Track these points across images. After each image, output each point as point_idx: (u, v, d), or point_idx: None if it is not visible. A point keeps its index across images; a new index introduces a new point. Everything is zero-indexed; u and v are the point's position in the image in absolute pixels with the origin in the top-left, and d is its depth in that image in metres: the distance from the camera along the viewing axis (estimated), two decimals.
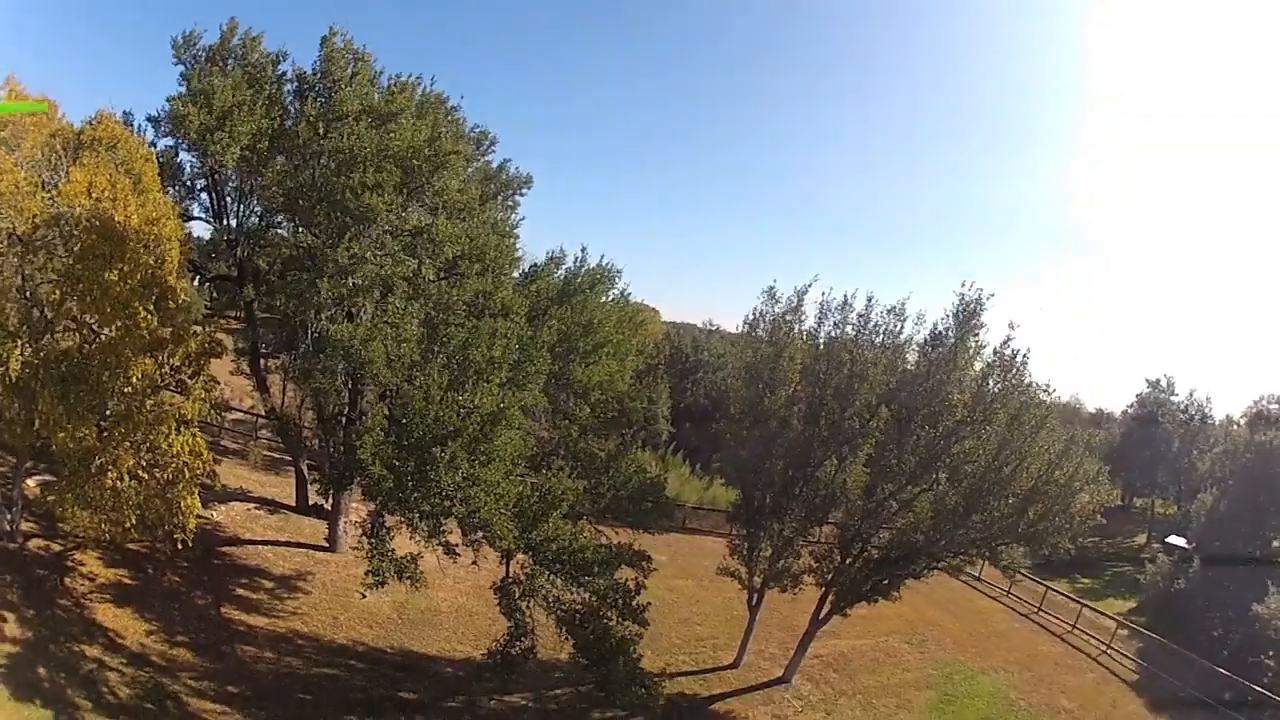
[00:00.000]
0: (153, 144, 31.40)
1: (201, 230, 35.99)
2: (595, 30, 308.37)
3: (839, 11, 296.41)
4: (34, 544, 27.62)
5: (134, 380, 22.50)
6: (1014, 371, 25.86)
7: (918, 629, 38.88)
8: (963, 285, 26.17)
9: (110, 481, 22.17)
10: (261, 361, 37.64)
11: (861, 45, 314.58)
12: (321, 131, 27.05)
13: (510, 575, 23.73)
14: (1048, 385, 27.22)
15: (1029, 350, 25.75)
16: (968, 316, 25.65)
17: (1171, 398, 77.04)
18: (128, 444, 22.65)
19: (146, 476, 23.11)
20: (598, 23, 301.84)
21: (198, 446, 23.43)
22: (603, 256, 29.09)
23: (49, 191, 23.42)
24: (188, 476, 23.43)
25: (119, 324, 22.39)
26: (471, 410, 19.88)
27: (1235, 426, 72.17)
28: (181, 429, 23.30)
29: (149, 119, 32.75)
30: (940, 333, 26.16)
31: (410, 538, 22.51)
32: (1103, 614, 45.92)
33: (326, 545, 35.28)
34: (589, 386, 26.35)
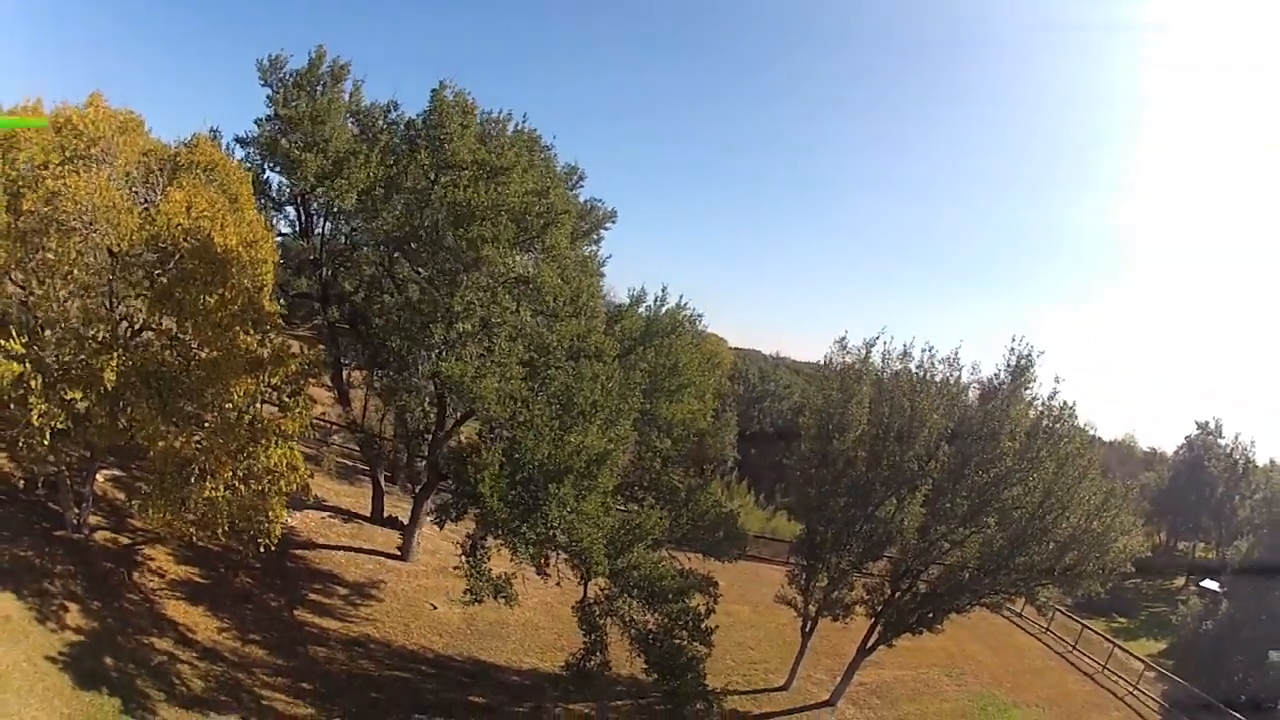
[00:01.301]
0: (245, 164, 34.04)
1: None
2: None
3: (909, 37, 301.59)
4: (101, 537, 28.81)
5: (235, 398, 23.97)
6: (1061, 422, 28.98)
7: (957, 662, 41.84)
8: (1014, 340, 29.70)
9: (209, 490, 23.11)
10: (343, 374, 40.40)
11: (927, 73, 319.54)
12: (433, 179, 29.56)
13: (589, 596, 26.38)
14: (1092, 430, 30.57)
15: (1075, 403, 29.23)
16: (1020, 370, 29.00)
17: (1219, 440, 79.57)
18: (226, 456, 23.60)
19: (242, 488, 23.83)
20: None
21: (294, 460, 24.66)
22: (681, 297, 32.34)
23: (145, 208, 24.47)
24: (282, 488, 24.60)
25: (220, 348, 23.79)
26: (580, 449, 22.90)
27: (1273, 474, 74.52)
28: (280, 442, 24.55)
29: (237, 140, 36.20)
30: (995, 386, 29.46)
31: (511, 560, 25.28)
32: (1133, 655, 48.74)
33: (399, 554, 37.28)
34: (672, 423, 29.45)
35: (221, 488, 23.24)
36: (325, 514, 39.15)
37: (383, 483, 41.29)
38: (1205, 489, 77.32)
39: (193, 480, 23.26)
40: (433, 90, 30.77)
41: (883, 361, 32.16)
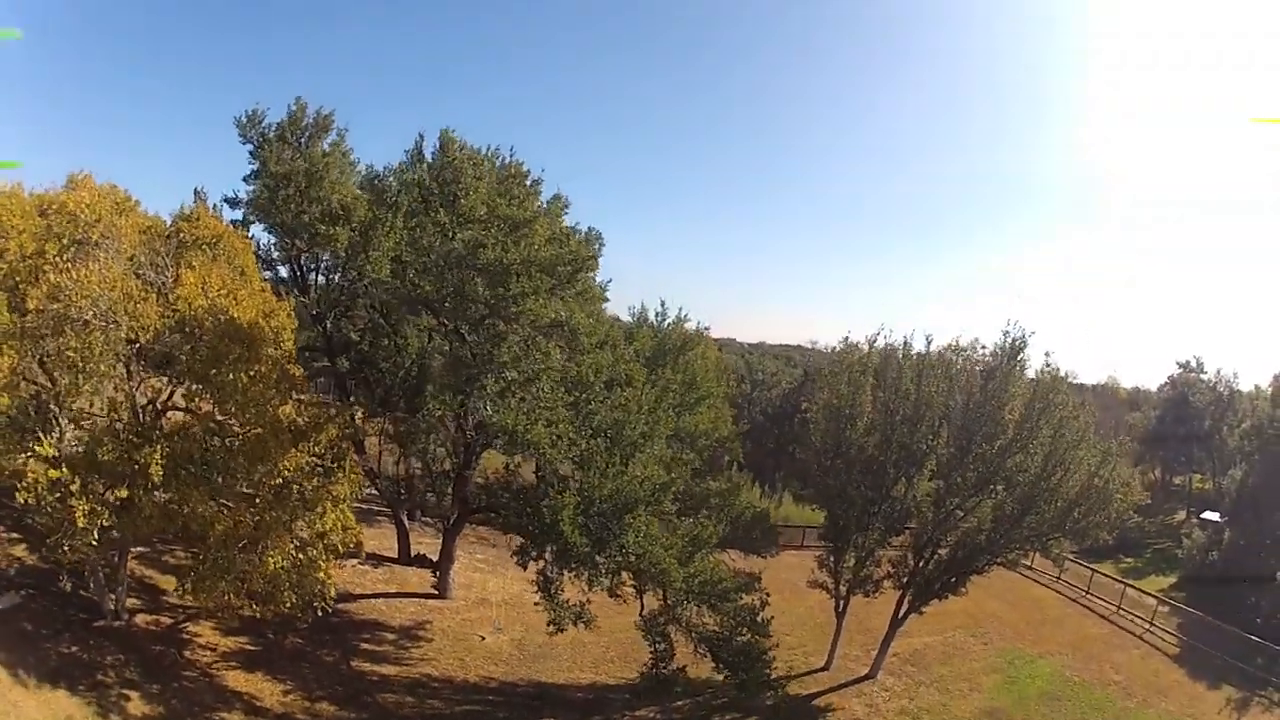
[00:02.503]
0: (236, 225, 34.46)
1: None
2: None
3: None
4: (142, 620, 29.34)
5: (285, 471, 24.64)
6: (1055, 393, 32.30)
7: (980, 622, 45.30)
8: (1008, 324, 33.24)
9: (271, 565, 23.54)
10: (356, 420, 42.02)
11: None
12: (451, 236, 30.76)
13: (646, 607, 28.85)
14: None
15: (1066, 371, 32.79)
16: (1015, 351, 32.39)
17: (1201, 376, 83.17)
18: (284, 530, 24.18)
19: (301, 556, 24.44)
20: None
21: (348, 521, 25.56)
22: (681, 309, 35.30)
23: (157, 291, 24.34)
24: (340, 551, 25.66)
25: (262, 424, 24.33)
26: (644, 480, 25.68)
27: (1258, 402, 78.00)
28: (332, 506, 25.27)
29: (226, 201, 36.46)
30: (992, 368, 32.74)
31: (588, 590, 27.41)
32: (1145, 592, 52.38)
33: (437, 593, 39.20)
34: (695, 435, 32.38)
35: (281, 560, 23.85)
36: (355, 561, 39.87)
37: (406, 524, 42.86)
38: (1193, 423, 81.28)
39: (254, 556, 23.77)
40: (441, 144, 32.53)
41: (886, 352, 35.66)
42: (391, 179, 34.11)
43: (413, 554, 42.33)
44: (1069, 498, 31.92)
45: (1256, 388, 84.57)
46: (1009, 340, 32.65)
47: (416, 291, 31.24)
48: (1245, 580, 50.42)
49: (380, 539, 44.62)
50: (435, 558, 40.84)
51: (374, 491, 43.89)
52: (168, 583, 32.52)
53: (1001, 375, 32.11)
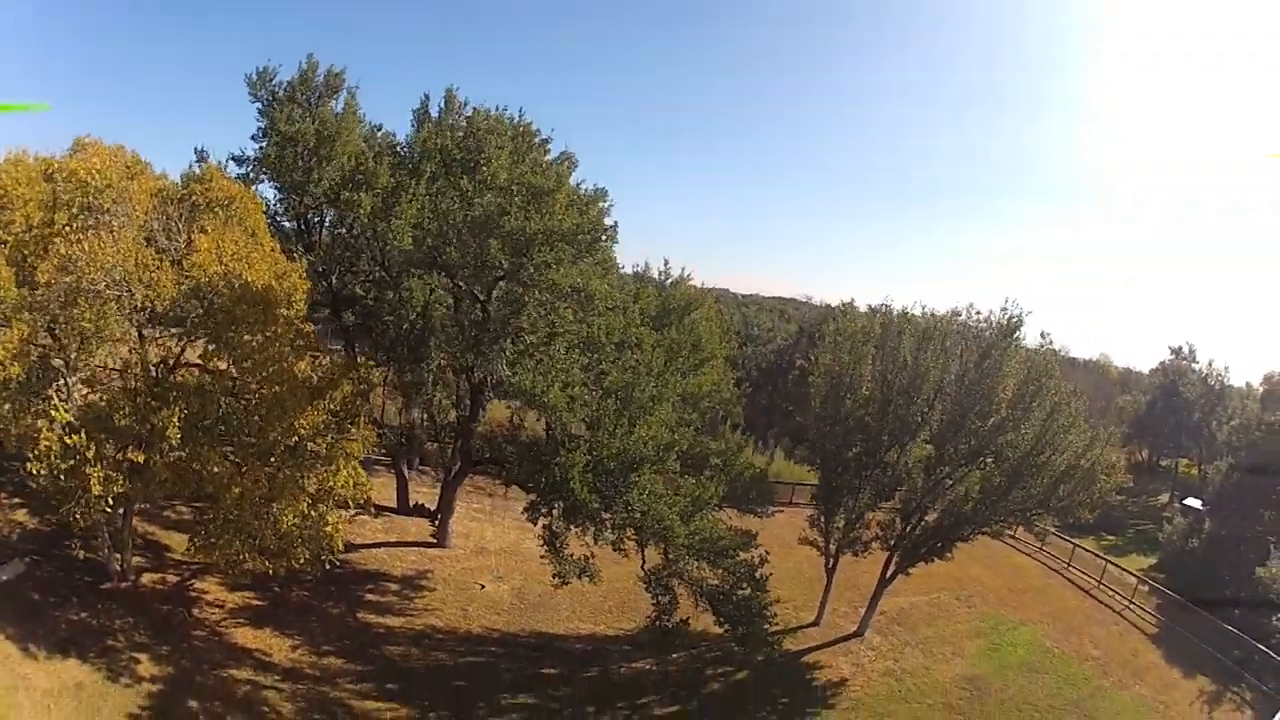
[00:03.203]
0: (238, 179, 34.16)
1: None
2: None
3: None
4: (148, 580, 29.94)
5: (300, 431, 24.71)
6: (1048, 376, 33.73)
7: (964, 585, 46.88)
8: (1006, 301, 34.58)
9: (285, 523, 23.89)
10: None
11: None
12: (472, 203, 31.06)
13: (648, 561, 29.87)
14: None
15: (1059, 350, 34.00)
16: (1010, 330, 33.72)
17: (1193, 365, 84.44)
18: (298, 489, 24.27)
19: (313, 513, 24.60)
20: None
21: (359, 478, 25.93)
22: (684, 269, 36.55)
23: (171, 258, 24.34)
24: (351, 507, 26.30)
25: (279, 382, 24.51)
26: (649, 440, 26.79)
27: (1248, 401, 79.60)
28: (345, 462, 25.54)
29: (233, 158, 36.13)
30: (988, 345, 34.04)
31: (594, 543, 28.70)
32: (1126, 570, 53.92)
33: (436, 542, 40.26)
34: (699, 395, 33.62)
35: (294, 517, 24.12)
36: (355, 511, 40.59)
37: (405, 473, 43.47)
38: (1183, 413, 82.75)
39: (268, 514, 24.04)
40: (468, 117, 33.48)
41: (884, 323, 37.04)
42: (416, 146, 34.34)
43: (412, 504, 42.89)
44: (1055, 475, 33.43)
45: (1248, 385, 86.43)
46: (1006, 317, 34.01)
47: (439, 257, 31.73)
48: (1225, 571, 51.42)
49: (379, 488, 43.96)
50: (433, 507, 41.57)
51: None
52: (170, 538, 33.55)
53: (997, 353, 33.36)
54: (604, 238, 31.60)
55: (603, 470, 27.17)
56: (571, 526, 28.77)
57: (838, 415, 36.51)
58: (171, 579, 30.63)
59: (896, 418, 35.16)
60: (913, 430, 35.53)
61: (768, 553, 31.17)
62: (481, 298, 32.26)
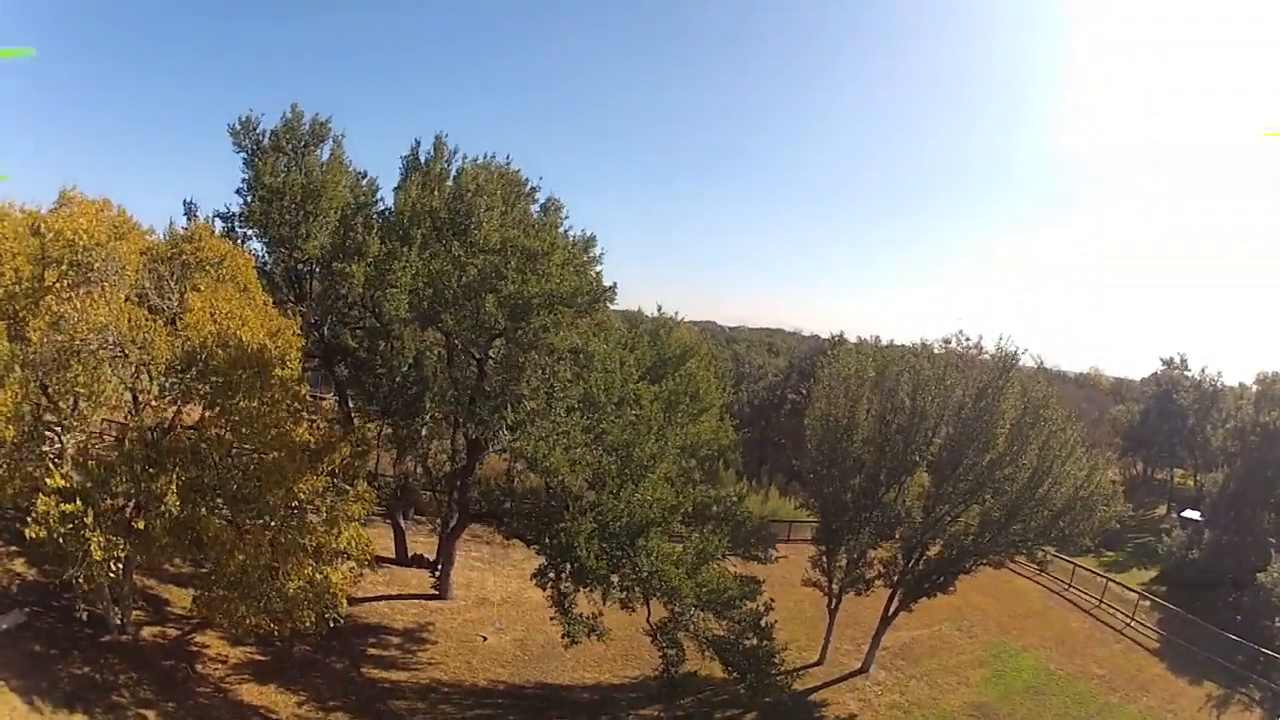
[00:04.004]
0: (224, 236, 33.88)
1: None
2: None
3: None
4: (149, 633, 29.71)
5: (300, 496, 24.57)
6: (1043, 407, 34.11)
7: (965, 615, 47.21)
8: (1000, 339, 34.89)
9: (291, 588, 23.90)
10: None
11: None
12: (465, 266, 31.13)
13: (654, 614, 29.69)
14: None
15: (1051, 395, 34.33)
16: (1006, 368, 34.14)
17: (1185, 373, 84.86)
18: (303, 553, 24.40)
19: (318, 576, 24.67)
20: None
21: (362, 538, 26.15)
22: (677, 312, 36.78)
23: (165, 318, 24.17)
24: (356, 567, 26.50)
25: (278, 447, 24.22)
26: (655, 503, 26.98)
27: (1242, 402, 79.45)
28: (347, 525, 25.68)
29: (218, 215, 35.39)
30: (985, 385, 34.39)
31: (602, 602, 28.58)
32: (1126, 587, 54.44)
33: (437, 593, 39.88)
34: (698, 445, 33.78)
35: (300, 581, 24.18)
36: (360, 570, 40.48)
37: (403, 525, 43.34)
38: (1177, 421, 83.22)
39: (273, 581, 24.04)
40: (455, 175, 33.46)
41: (881, 364, 37.19)
42: (405, 210, 34.17)
43: (410, 555, 42.86)
44: (1055, 509, 33.86)
45: (1241, 385, 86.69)
46: (1001, 354, 34.61)
47: (435, 323, 31.81)
48: (1226, 580, 52.29)
49: (377, 539, 43.64)
50: (432, 557, 41.56)
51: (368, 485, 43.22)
52: (169, 592, 33.42)
53: (994, 391, 33.69)
54: (602, 299, 31.53)
55: (609, 534, 27.29)
56: (580, 589, 28.86)
57: (835, 458, 36.83)
58: (172, 632, 30.62)
59: (895, 457, 35.43)
60: (910, 469, 35.89)
61: (772, 600, 31.26)
62: (478, 356, 32.35)
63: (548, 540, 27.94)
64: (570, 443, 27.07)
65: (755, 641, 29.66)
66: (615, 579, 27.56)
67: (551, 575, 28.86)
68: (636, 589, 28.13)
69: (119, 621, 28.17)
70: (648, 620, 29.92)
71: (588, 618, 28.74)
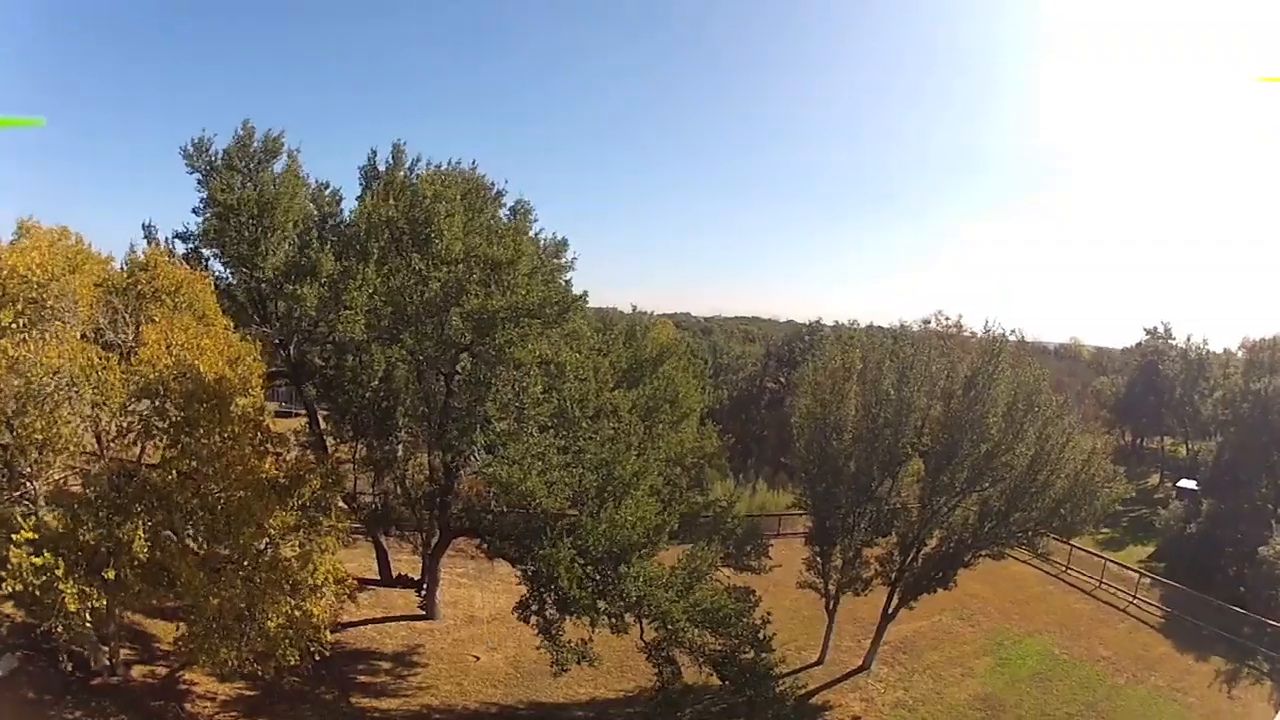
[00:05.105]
0: (184, 258, 33.22)
1: None
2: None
3: None
4: (137, 672, 29.03)
5: (271, 533, 23.72)
6: (1036, 393, 32.90)
7: (965, 604, 46.07)
8: (986, 323, 33.60)
9: (272, 629, 22.99)
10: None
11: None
12: (427, 280, 29.95)
13: (645, 629, 28.37)
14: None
15: (1044, 377, 33.33)
16: (994, 353, 32.81)
17: (1170, 342, 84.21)
18: (279, 593, 23.46)
19: (297, 614, 23.76)
20: None
21: (339, 572, 25.15)
22: (652, 313, 35.42)
23: (119, 353, 23.48)
24: (332, 600, 25.17)
25: (245, 484, 23.24)
26: (637, 523, 25.43)
27: (1230, 370, 79.18)
28: (322, 559, 24.72)
29: (177, 236, 34.56)
30: (974, 373, 33.16)
31: (591, 629, 27.24)
32: (1126, 567, 53.67)
33: (424, 614, 38.91)
34: (681, 453, 32.44)
35: (279, 618, 23.33)
36: (341, 601, 39.79)
37: (385, 544, 42.21)
38: (1164, 392, 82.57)
39: (252, 622, 23.27)
40: (414, 184, 31.78)
41: (866, 353, 36.24)
42: (360, 222, 32.91)
43: (395, 575, 41.89)
44: (1056, 497, 32.73)
45: (1226, 351, 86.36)
46: (989, 339, 33.61)
47: (395, 343, 30.66)
48: (1226, 550, 51.75)
49: (360, 559, 43.52)
50: (416, 576, 40.58)
51: (348, 510, 41.45)
52: (156, 626, 32.32)
53: (983, 378, 32.49)
54: (572, 308, 30.09)
55: (591, 558, 25.87)
56: (566, 617, 27.47)
57: (824, 456, 35.60)
58: (161, 671, 29.69)
59: (885, 450, 34.28)
60: (901, 461, 34.79)
61: (769, 614, 30.08)
62: (445, 372, 30.95)
63: (528, 566, 26.53)
64: (546, 464, 25.70)
65: (754, 655, 28.51)
66: (602, 605, 26.15)
67: (534, 607, 27.44)
68: (625, 615, 26.80)
69: (108, 662, 27.40)
70: (641, 637, 28.83)
71: (577, 644, 27.40)
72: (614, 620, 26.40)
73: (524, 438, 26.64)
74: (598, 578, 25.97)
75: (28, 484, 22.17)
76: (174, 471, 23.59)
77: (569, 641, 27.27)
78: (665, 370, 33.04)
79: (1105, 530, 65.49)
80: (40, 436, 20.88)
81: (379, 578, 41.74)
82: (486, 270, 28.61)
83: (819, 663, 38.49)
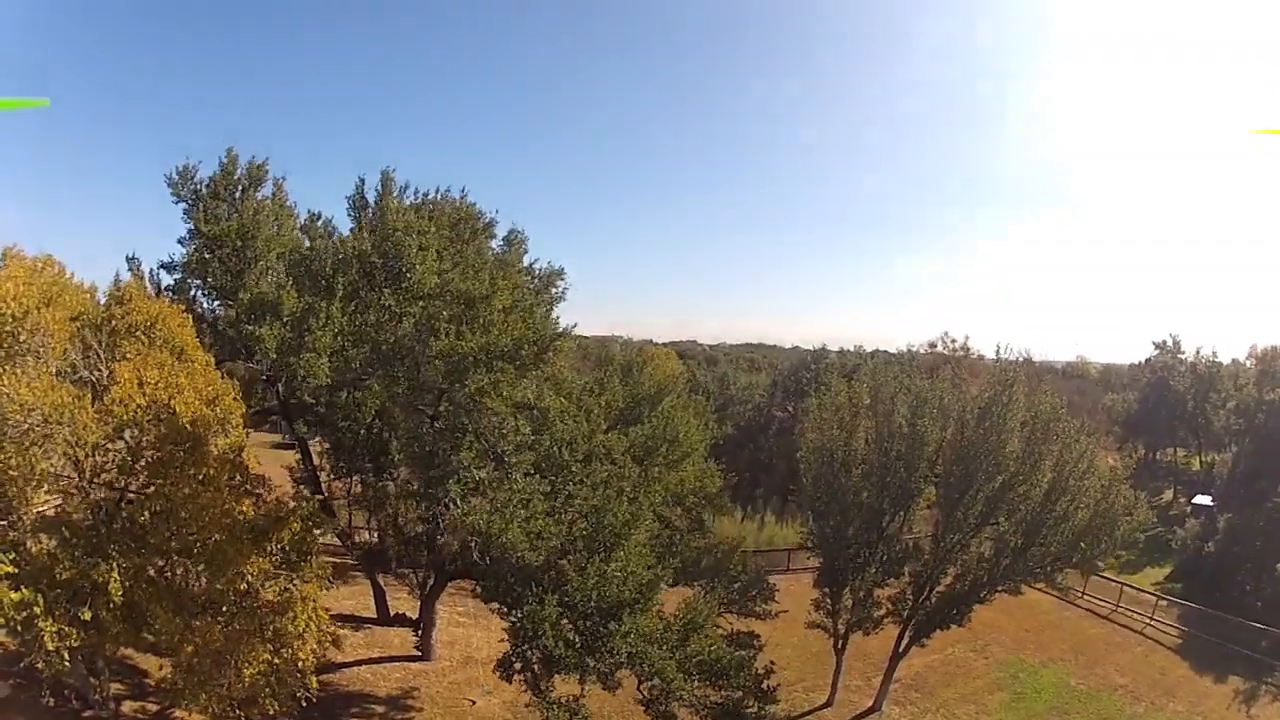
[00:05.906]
0: (169, 289, 33.23)
1: None
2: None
3: None
4: (128, 707, 28.45)
5: (249, 578, 23.08)
6: (1055, 421, 31.50)
7: (978, 634, 44.30)
8: (998, 349, 32.74)
9: (248, 677, 22.29)
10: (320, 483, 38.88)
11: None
12: (399, 317, 29.16)
13: (640, 687, 26.97)
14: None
15: (1061, 405, 31.86)
16: (1006, 386, 31.24)
17: (1179, 355, 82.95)
18: (258, 640, 22.79)
19: (278, 660, 23.08)
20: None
21: (320, 618, 24.16)
22: (651, 340, 34.02)
23: (93, 391, 22.79)
24: (315, 646, 24.05)
25: (220, 528, 22.51)
26: (628, 579, 23.85)
27: (1241, 380, 77.77)
28: (304, 605, 23.74)
29: (163, 266, 33.79)
30: (988, 404, 31.60)
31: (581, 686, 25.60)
32: (1141, 590, 52.15)
33: (419, 654, 37.60)
34: (682, 493, 31.07)
35: (258, 666, 22.61)
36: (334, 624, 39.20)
37: (382, 584, 41.13)
38: (1176, 406, 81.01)
39: (230, 670, 22.51)
40: (382, 216, 30.41)
41: (876, 387, 34.64)
42: (327, 258, 31.63)
43: (392, 614, 40.83)
44: (1076, 529, 31.30)
45: (1235, 362, 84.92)
46: (1002, 371, 31.94)
47: (363, 387, 29.61)
48: (1244, 566, 50.69)
49: (356, 596, 43.18)
50: (414, 615, 39.45)
51: (341, 545, 42.08)
52: (147, 661, 31.13)
53: (998, 409, 31.02)
54: (551, 347, 28.23)
55: (579, 614, 24.36)
56: (553, 675, 25.97)
57: (833, 493, 34.05)
58: (151, 707, 28.88)
59: (897, 485, 32.76)
60: (913, 496, 33.22)
61: (773, 663, 28.82)
62: (429, 413, 29.57)
63: (514, 622, 25.08)
64: (530, 512, 24.22)
65: (758, 708, 27.11)
66: (591, 662, 24.62)
67: (518, 666, 25.91)
68: (617, 672, 25.29)
69: (98, 696, 26.78)
70: (639, 688, 27.28)
71: (568, 700, 25.72)
72: (604, 677, 24.86)
73: (507, 484, 25.45)
74: (586, 634, 24.47)
75: (7, 517, 21.48)
76: (147, 513, 22.81)
77: (560, 698, 25.79)
78: (664, 408, 31.49)
79: (1122, 553, 64.02)
80: (15, 473, 20.24)
81: (375, 616, 40.76)
82: (460, 306, 27.60)
83: (828, 704, 36.97)
